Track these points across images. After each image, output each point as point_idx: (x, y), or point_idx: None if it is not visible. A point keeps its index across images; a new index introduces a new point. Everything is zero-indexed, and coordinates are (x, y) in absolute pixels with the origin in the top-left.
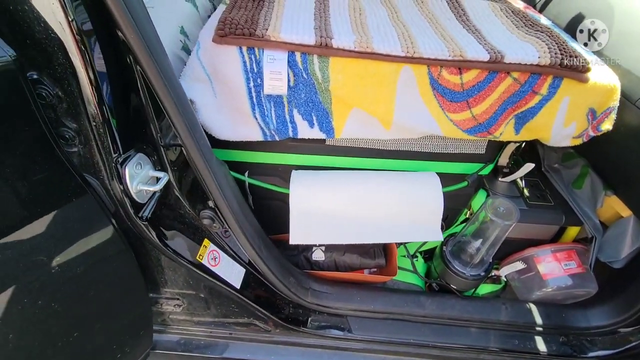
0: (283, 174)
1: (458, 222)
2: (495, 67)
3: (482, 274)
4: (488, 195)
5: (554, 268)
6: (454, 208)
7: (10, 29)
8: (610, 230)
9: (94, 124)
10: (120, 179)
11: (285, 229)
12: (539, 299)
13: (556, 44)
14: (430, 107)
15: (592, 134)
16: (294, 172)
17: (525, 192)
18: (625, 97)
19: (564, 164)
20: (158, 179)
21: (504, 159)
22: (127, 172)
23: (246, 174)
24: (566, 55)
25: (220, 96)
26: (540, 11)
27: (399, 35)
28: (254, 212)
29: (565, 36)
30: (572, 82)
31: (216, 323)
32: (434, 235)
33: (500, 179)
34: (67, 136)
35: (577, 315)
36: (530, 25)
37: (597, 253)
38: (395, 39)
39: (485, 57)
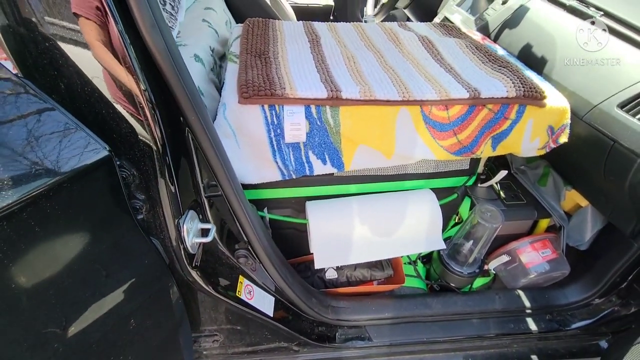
0: (296, 205)
1: (449, 227)
2: (474, 102)
3: (477, 270)
4: (472, 202)
5: (534, 257)
6: (445, 216)
7: (102, 128)
8: (573, 219)
9: (161, 193)
10: (181, 237)
11: (299, 253)
12: (524, 285)
13: (518, 78)
14: (424, 138)
15: (552, 145)
16: (308, 204)
17: (502, 194)
18: (574, 114)
19: (528, 166)
20: (205, 230)
21: (480, 168)
22: (185, 229)
23: (265, 209)
24: (527, 88)
25: (243, 147)
26: (495, 40)
27: (393, 82)
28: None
29: (521, 66)
30: (534, 107)
31: (249, 352)
32: (437, 245)
33: (479, 185)
34: (137, 206)
35: (557, 295)
36: (494, 60)
37: (566, 239)
38: (390, 86)
39: (465, 95)
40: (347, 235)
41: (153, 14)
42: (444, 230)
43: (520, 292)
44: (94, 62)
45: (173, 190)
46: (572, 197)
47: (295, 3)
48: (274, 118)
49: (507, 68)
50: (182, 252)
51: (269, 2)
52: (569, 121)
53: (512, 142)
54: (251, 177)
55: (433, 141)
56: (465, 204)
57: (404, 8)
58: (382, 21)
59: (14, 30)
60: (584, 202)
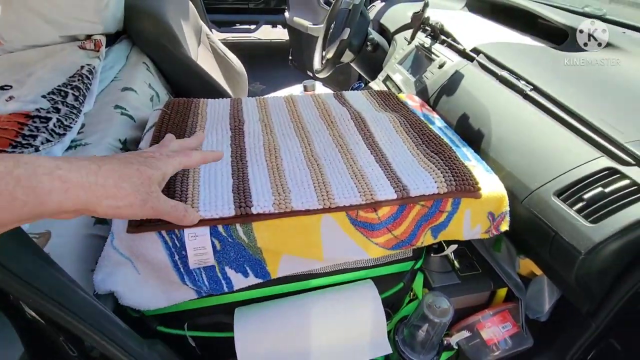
0: (227, 310)
1: (405, 304)
2: (403, 202)
3: (435, 358)
4: (425, 276)
5: (495, 332)
6: (396, 301)
7: None
8: (530, 287)
9: None
10: None
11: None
12: None
13: (450, 169)
14: (356, 239)
15: (495, 232)
16: (237, 313)
17: (456, 264)
18: (514, 197)
19: None
20: None
21: None
22: None
23: (185, 325)
24: (459, 181)
25: (145, 272)
26: (434, 106)
27: (315, 184)
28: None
29: (457, 141)
30: (469, 199)
31: None
32: (383, 349)
33: (432, 255)
34: None
35: None
36: (427, 142)
37: (525, 310)
38: (311, 190)
39: (393, 196)
40: (280, 349)
41: None
42: (399, 309)
43: None
44: None
45: None
46: (527, 265)
47: (259, 39)
48: (175, 241)
49: (440, 154)
50: None
51: (215, 61)
52: (507, 209)
53: (452, 230)
54: (159, 301)
55: (367, 240)
56: (419, 279)
57: (350, 62)
58: (328, 76)
59: None
60: (538, 271)
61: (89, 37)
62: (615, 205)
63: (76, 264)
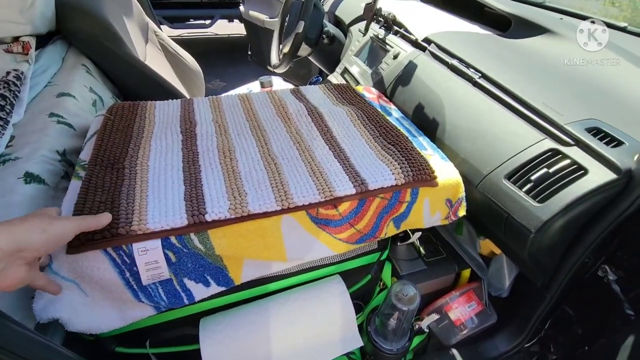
0: (192, 321)
1: (375, 295)
2: (363, 196)
3: (407, 344)
4: (393, 265)
5: (462, 312)
6: (366, 292)
7: None
8: (491, 266)
9: None
10: None
11: None
12: (458, 341)
13: (406, 160)
14: (319, 237)
15: (453, 218)
16: (202, 323)
17: (422, 250)
18: (469, 182)
19: None
20: None
21: None
22: None
23: (147, 343)
24: (416, 172)
25: (93, 293)
26: (391, 97)
27: (272, 184)
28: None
29: (414, 131)
30: (426, 188)
31: None
32: (355, 342)
33: (399, 243)
34: None
35: (488, 347)
36: (384, 134)
37: (488, 288)
38: (268, 192)
39: (352, 191)
40: (250, 356)
41: None
42: (370, 300)
43: (455, 352)
44: None
45: None
46: (487, 245)
47: (216, 34)
48: (125, 258)
49: (397, 145)
50: None
51: (166, 60)
52: (463, 194)
53: (413, 220)
54: (113, 322)
55: (330, 237)
56: (387, 268)
57: (308, 55)
58: (289, 70)
59: None
60: (498, 250)
61: (16, 39)
62: (558, 185)
63: (13, 292)
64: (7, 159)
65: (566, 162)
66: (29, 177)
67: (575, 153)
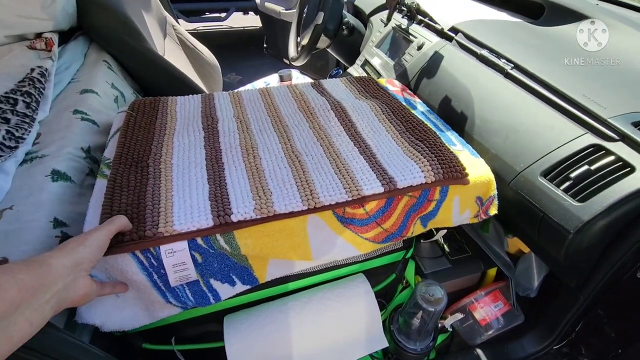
0: (216, 318)
1: (398, 292)
2: (391, 194)
3: (431, 344)
4: (417, 263)
5: (487, 312)
6: (390, 291)
7: None
8: (519, 265)
9: None
10: None
11: None
12: (483, 341)
13: (436, 156)
14: (345, 236)
15: (484, 217)
16: (226, 321)
17: (446, 248)
18: (501, 179)
19: None
20: None
21: None
22: None
23: (172, 340)
24: (446, 169)
25: (124, 295)
26: (415, 90)
27: (297, 184)
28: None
29: (441, 125)
30: (457, 186)
31: None
32: (380, 343)
33: (422, 241)
34: None
35: (515, 348)
36: (411, 129)
37: (515, 288)
38: (294, 191)
39: (380, 189)
40: (273, 354)
41: None
42: (392, 298)
43: (480, 352)
44: None
45: None
46: (515, 243)
47: (231, 27)
48: (152, 260)
49: (425, 141)
50: None
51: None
52: (495, 192)
53: (441, 218)
54: (142, 320)
55: (356, 236)
56: (410, 266)
57: (327, 48)
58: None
59: None
60: (526, 249)
61: (39, 35)
62: (601, 183)
63: None
64: (34, 156)
65: (610, 158)
66: (56, 175)
67: (621, 149)
